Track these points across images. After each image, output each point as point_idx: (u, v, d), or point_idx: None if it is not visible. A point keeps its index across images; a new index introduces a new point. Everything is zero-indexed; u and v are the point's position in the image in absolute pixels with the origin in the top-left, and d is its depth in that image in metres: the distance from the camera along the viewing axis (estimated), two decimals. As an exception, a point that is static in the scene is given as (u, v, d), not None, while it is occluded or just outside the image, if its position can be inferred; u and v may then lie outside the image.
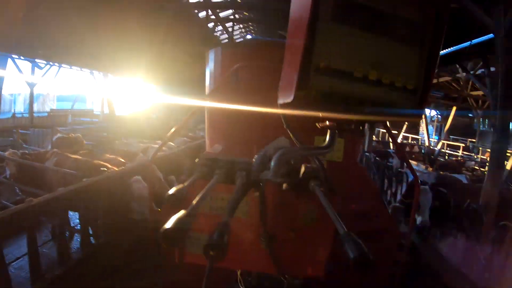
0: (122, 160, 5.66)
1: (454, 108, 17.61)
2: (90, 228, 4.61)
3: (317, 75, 0.95)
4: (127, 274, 4.05)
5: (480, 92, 17.56)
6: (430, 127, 19.97)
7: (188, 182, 1.12)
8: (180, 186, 1.07)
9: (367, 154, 9.71)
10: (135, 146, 7.96)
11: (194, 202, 0.88)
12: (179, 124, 2.50)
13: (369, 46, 0.98)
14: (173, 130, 2.98)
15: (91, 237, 4.50)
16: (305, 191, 1.13)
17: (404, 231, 4.97)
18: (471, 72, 12.71)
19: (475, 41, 9.15)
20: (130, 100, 18.23)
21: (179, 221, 0.78)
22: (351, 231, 0.78)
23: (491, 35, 8.11)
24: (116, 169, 4.96)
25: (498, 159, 5.73)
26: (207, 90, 2.56)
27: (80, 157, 5.31)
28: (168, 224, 0.76)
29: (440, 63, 9.93)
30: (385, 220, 2.41)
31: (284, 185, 1.18)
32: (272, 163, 1.09)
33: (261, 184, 1.15)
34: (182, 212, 0.81)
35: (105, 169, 4.72)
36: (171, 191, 1.03)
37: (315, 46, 0.95)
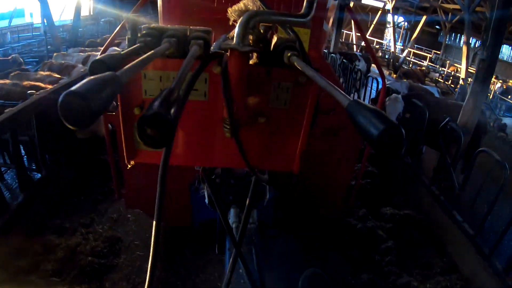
0: (57, 76, 5.03)
1: (424, 17, 17.31)
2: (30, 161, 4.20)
3: None
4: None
5: (451, 5, 17.21)
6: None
7: (127, 51, 0.85)
8: (115, 52, 0.79)
9: (332, 55, 9.61)
10: (74, 57, 7.14)
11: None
12: (124, 22, 2.21)
13: None
14: (117, 29, 2.55)
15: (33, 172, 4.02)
16: (279, 65, 0.95)
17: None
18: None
19: None
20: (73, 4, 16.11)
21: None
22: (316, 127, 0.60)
23: None
24: (50, 87, 4.34)
25: (486, 73, 4.91)
26: None
27: (7, 81, 4.59)
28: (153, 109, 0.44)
29: None
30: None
31: (253, 59, 0.98)
32: (237, 28, 0.88)
33: (223, 56, 0.89)
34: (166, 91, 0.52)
35: (34, 91, 4.05)
36: (98, 56, 0.73)
37: None
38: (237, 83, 0.90)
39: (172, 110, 0.51)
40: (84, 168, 4.59)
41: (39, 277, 2.94)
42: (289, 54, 0.92)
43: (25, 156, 4.20)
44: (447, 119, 4.71)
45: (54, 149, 4.19)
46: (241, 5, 1.03)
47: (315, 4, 0.95)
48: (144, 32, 0.97)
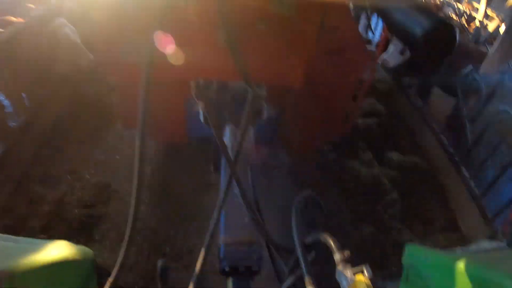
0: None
1: None
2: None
3: None
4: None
5: None
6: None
7: None
8: None
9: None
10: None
11: None
12: None
13: None
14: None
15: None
16: None
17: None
18: None
19: None
20: None
21: None
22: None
23: None
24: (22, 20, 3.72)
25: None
26: None
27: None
28: None
29: None
30: (352, 36, 2.35)
31: None
32: None
33: None
34: None
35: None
36: None
37: None
38: None
39: None
40: (66, 108, 4.22)
41: (27, 236, 2.82)
42: None
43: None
44: (470, 69, 4.25)
45: (32, 89, 3.80)
46: None
47: None
48: None
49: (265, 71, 0.97)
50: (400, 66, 4.99)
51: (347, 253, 1.09)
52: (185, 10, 0.83)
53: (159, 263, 1.28)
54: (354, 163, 4.03)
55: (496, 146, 3.59)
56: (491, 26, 5.16)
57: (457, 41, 4.60)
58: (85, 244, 1.15)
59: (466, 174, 3.76)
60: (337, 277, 1.10)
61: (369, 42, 6.04)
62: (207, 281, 1.53)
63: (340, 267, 1.08)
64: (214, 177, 3.18)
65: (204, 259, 1.27)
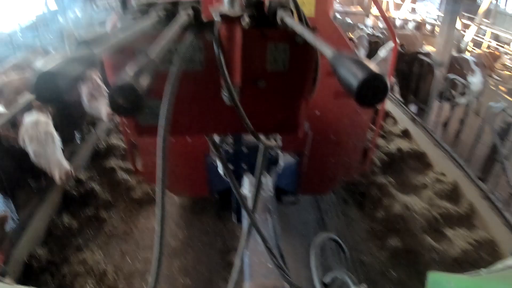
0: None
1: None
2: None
3: None
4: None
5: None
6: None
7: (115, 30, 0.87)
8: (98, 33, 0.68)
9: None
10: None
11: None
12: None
13: None
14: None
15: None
16: (273, 27, 0.93)
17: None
18: None
19: None
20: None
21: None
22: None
23: None
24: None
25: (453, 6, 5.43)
26: None
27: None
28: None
29: None
30: None
31: (246, 22, 0.92)
32: None
33: (214, 23, 0.89)
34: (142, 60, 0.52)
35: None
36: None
37: None
38: (231, 49, 0.90)
39: (145, 80, 0.48)
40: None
41: None
42: (281, 13, 0.89)
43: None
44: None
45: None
46: None
47: None
48: (135, 8, 0.95)
49: (267, 122, 1.04)
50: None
51: (364, 286, 1.10)
52: (197, 74, 0.95)
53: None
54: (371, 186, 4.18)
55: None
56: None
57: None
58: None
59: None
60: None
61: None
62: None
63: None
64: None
65: None
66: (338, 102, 2.77)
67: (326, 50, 0.61)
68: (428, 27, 13.76)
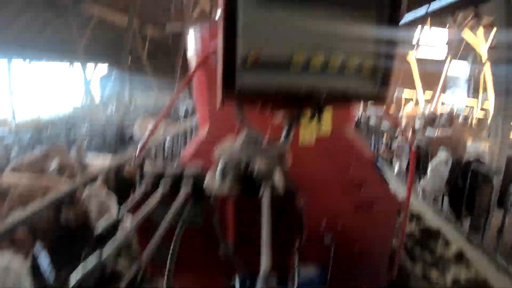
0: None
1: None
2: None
3: (245, 73, 0.82)
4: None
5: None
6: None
7: (127, 207, 1.06)
8: (110, 219, 0.96)
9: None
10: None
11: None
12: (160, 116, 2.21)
13: (310, 24, 0.81)
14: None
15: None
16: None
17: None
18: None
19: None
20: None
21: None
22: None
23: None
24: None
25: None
26: (192, 65, 2.45)
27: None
28: None
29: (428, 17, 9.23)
30: (381, 189, 2.35)
31: (236, 192, 1.02)
32: (217, 171, 0.97)
33: (210, 194, 1.01)
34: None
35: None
36: (100, 228, 0.92)
37: (238, 38, 0.79)
38: (226, 215, 1.06)
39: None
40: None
41: None
42: (262, 188, 0.95)
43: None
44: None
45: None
46: (224, 145, 1.07)
47: (292, 131, 1.06)
48: (147, 178, 1.10)
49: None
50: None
51: None
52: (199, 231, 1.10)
53: None
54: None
55: None
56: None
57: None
58: None
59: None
60: None
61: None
62: None
63: None
64: None
65: None
66: (359, 215, 2.66)
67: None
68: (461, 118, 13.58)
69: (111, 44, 18.05)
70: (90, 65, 15.73)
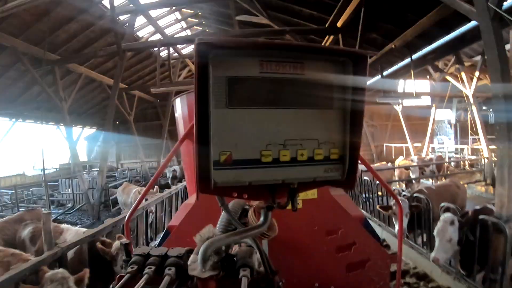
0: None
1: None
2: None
3: (218, 171, 0.89)
4: None
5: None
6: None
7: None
8: None
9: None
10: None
11: None
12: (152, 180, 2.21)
13: (275, 126, 0.91)
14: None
15: None
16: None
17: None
18: (444, 71, 12.69)
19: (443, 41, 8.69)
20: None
21: None
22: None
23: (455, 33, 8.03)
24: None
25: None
26: (179, 135, 2.53)
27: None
28: None
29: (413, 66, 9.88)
30: (371, 247, 2.38)
31: (218, 276, 1.03)
32: (199, 257, 1.00)
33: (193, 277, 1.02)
34: None
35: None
36: None
37: (210, 145, 0.88)
38: None
39: None
40: None
41: None
42: (241, 275, 0.99)
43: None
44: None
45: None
46: (204, 231, 1.09)
47: (270, 216, 1.11)
48: (132, 260, 1.08)
49: None
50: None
51: None
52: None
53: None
54: None
55: None
56: None
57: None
58: None
59: None
60: None
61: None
62: None
63: None
64: None
65: None
66: (351, 274, 2.64)
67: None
68: (452, 163, 14.26)
69: (97, 104, 18.35)
70: (76, 129, 15.83)
